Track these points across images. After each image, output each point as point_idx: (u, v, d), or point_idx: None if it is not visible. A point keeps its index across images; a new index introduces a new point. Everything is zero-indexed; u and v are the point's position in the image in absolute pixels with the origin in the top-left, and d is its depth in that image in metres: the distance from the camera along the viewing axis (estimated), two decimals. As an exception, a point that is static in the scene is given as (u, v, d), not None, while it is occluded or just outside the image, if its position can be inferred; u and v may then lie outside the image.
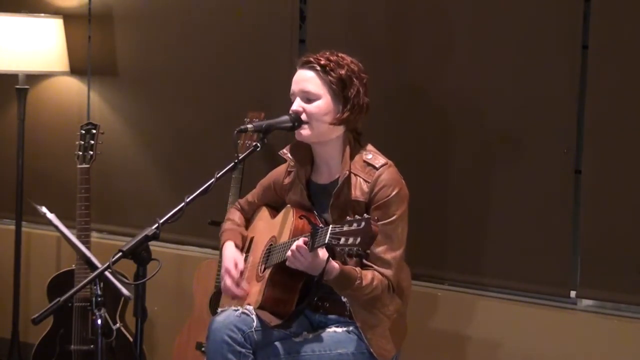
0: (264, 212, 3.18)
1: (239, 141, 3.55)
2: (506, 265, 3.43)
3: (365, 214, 2.57)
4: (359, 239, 2.51)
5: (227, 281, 3.01)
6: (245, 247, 3.17)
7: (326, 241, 2.56)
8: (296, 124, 2.89)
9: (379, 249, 2.81)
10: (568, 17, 3.26)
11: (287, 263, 2.76)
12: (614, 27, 3.20)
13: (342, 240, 2.53)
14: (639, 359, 3.20)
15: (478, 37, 3.43)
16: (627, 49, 3.19)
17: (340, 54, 2.92)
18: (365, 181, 2.88)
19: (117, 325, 3.78)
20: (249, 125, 2.84)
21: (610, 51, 3.21)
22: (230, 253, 3.08)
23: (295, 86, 2.93)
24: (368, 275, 2.81)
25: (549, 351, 3.33)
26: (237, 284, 2.99)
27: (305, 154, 3.02)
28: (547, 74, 3.31)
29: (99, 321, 2.46)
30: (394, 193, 2.86)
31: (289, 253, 2.74)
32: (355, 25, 3.67)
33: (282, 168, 3.16)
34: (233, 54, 3.95)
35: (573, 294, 3.35)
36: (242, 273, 3.03)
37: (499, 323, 3.43)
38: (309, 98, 2.89)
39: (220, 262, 3.54)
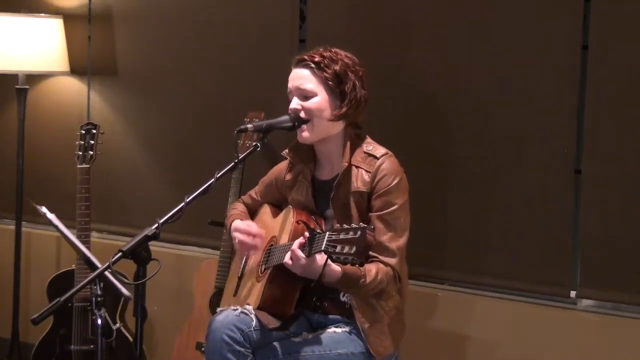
0: (266, 211, 3.18)
1: (239, 141, 3.56)
2: (506, 265, 3.43)
3: (361, 223, 2.57)
4: (354, 248, 2.52)
5: (240, 236, 3.03)
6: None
7: (322, 248, 2.57)
8: (296, 123, 2.90)
9: (383, 238, 2.82)
10: (568, 17, 3.26)
11: (286, 265, 2.76)
12: (614, 27, 3.20)
13: (338, 248, 2.54)
14: (639, 359, 3.20)
15: (478, 37, 3.43)
16: (627, 49, 3.18)
17: (334, 49, 2.94)
18: (367, 171, 2.89)
19: (117, 325, 3.78)
20: (249, 125, 2.85)
21: (610, 51, 3.21)
22: (240, 222, 3.09)
23: (291, 85, 2.94)
24: (372, 270, 2.81)
25: (549, 351, 3.33)
26: (250, 234, 3.02)
27: (307, 153, 3.03)
28: (547, 74, 3.31)
29: (99, 321, 2.46)
30: (395, 182, 2.87)
31: (287, 256, 2.74)
32: (355, 25, 3.67)
33: (283, 165, 3.16)
34: (233, 54, 3.95)
35: (573, 294, 3.35)
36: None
37: (499, 323, 3.43)
38: (305, 96, 2.90)
39: (220, 260, 3.56)
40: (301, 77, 2.91)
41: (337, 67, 2.89)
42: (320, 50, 2.94)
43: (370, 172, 2.89)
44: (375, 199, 2.88)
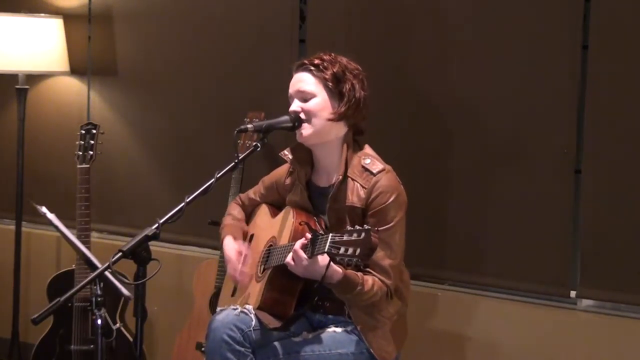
0: (264, 210, 3.18)
1: (239, 141, 3.56)
2: (506, 265, 3.43)
3: (365, 225, 2.57)
4: (358, 250, 2.52)
5: (230, 269, 3.04)
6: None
7: (325, 249, 2.57)
8: (296, 123, 2.90)
9: (378, 255, 2.79)
10: (568, 17, 3.26)
11: (287, 265, 2.76)
12: (614, 27, 3.20)
13: (342, 249, 2.54)
14: (639, 359, 3.20)
15: (478, 38, 3.43)
16: (627, 49, 3.18)
17: (334, 54, 2.95)
18: (363, 187, 2.88)
19: (117, 325, 3.78)
20: (249, 125, 2.85)
21: (610, 51, 3.21)
22: (231, 245, 3.09)
23: (292, 89, 2.95)
24: (369, 281, 2.82)
25: (549, 351, 3.33)
26: (239, 271, 3.01)
27: (305, 156, 3.02)
28: (547, 74, 3.31)
29: (99, 321, 2.46)
30: (391, 199, 2.86)
31: (289, 256, 2.74)
32: (355, 25, 3.67)
33: (284, 168, 3.16)
34: (233, 54, 3.95)
35: (573, 294, 3.35)
36: (245, 257, 3.03)
37: (499, 323, 3.43)
38: (305, 98, 2.91)
39: (220, 260, 3.56)
40: (301, 80, 2.93)
41: (335, 69, 2.90)
42: (321, 54, 2.96)
43: (365, 188, 2.88)
44: (370, 216, 2.86)
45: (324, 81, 2.90)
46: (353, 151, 2.95)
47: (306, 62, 2.94)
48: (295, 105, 2.92)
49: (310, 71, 2.92)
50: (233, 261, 3.04)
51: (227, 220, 3.22)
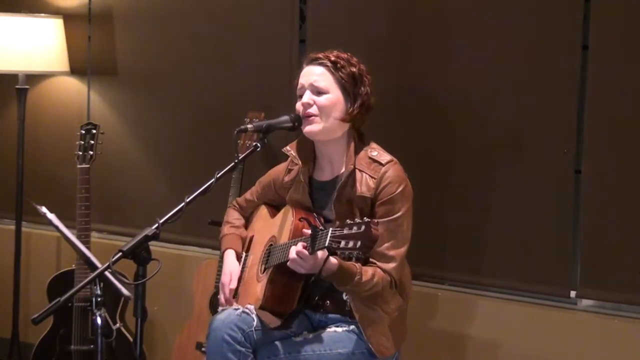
0: (263, 211, 3.18)
1: (239, 141, 3.56)
2: (506, 265, 3.43)
3: (365, 218, 2.57)
4: (359, 243, 2.52)
5: (221, 297, 3.09)
6: (245, 246, 3.18)
7: (326, 244, 2.56)
8: (296, 123, 2.90)
9: (384, 246, 2.81)
10: (568, 17, 3.26)
11: (289, 264, 2.76)
12: (614, 27, 3.20)
13: (342, 243, 2.53)
14: (639, 359, 3.20)
15: (478, 37, 3.43)
16: (627, 49, 3.18)
17: (349, 54, 2.95)
18: (371, 177, 2.89)
19: (117, 325, 3.78)
20: (249, 125, 2.85)
21: (610, 51, 3.21)
22: (229, 264, 3.11)
23: (304, 80, 2.92)
24: (369, 271, 2.81)
25: (549, 351, 3.33)
26: (228, 301, 3.06)
27: (308, 152, 3.02)
28: (547, 74, 3.31)
29: (99, 321, 2.46)
30: (399, 190, 2.87)
31: (292, 254, 2.73)
32: (355, 25, 3.67)
33: (281, 166, 3.16)
34: (233, 54, 3.95)
35: (573, 294, 3.35)
36: (237, 287, 3.08)
37: (499, 323, 3.43)
38: (319, 92, 2.89)
39: (220, 263, 3.56)
40: (316, 73, 2.90)
41: (354, 70, 2.90)
42: (335, 52, 2.94)
43: (374, 178, 2.89)
44: (378, 206, 2.87)
45: (339, 80, 2.89)
46: (358, 145, 2.95)
47: (322, 56, 2.91)
48: (308, 97, 2.90)
49: (326, 67, 2.89)
50: (225, 289, 3.08)
51: (225, 229, 3.22)
